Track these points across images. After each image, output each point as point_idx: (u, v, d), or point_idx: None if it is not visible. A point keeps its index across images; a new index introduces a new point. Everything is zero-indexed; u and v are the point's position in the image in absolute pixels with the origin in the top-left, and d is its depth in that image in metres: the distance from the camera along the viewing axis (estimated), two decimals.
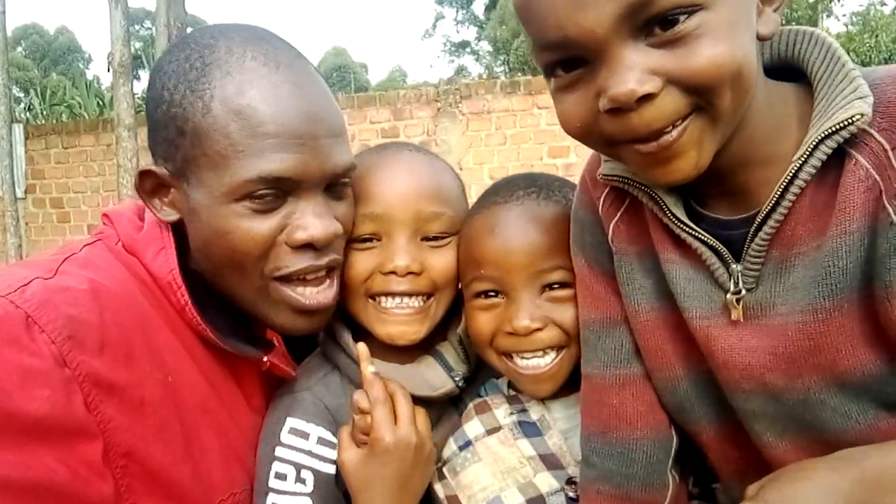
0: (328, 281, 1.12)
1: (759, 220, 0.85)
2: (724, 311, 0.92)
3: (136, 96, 7.28)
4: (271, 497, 1.11)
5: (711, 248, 0.89)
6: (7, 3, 7.90)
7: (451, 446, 1.19)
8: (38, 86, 19.82)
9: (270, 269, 1.06)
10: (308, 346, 1.31)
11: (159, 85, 1.05)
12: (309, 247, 1.06)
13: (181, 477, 0.99)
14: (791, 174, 0.81)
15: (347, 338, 1.21)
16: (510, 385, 1.24)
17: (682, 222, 0.90)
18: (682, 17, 0.73)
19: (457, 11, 40.60)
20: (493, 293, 1.15)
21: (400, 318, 1.18)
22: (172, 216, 1.09)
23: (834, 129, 0.78)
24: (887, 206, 0.77)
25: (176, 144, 1.04)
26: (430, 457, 1.14)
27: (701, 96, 0.76)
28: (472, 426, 1.19)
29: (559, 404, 1.18)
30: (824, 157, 0.80)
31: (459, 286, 1.23)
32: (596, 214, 1.05)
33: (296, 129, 1.02)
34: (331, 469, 1.14)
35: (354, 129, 8.38)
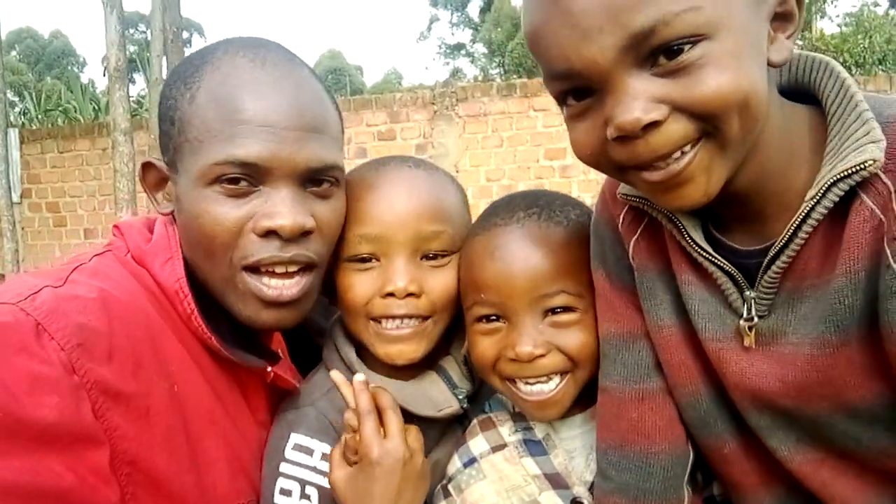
0: (297, 277, 1.10)
1: (772, 253, 0.86)
2: (736, 335, 0.93)
3: (131, 100, 7.27)
4: None
5: (727, 273, 0.90)
6: (0, 7, 7.88)
7: (455, 463, 1.19)
8: (33, 90, 19.76)
9: (238, 257, 1.06)
10: (311, 358, 1.31)
11: (166, 85, 1.11)
12: (275, 236, 1.05)
13: (186, 486, 1.00)
14: (804, 213, 0.82)
15: (351, 353, 1.21)
16: None
17: (700, 247, 0.91)
18: (686, 47, 0.73)
19: (451, 14, 40.59)
20: (494, 318, 1.12)
21: (399, 338, 1.17)
22: (168, 207, 1.13)
23: (846, 173, 0.78)
24: (886, 248, 0.77)
25: (169, 135, 1.09)
26: (423, 472, 1.12)
27: (708, 122, 0.76)
28: (477, 443, 1.19)
29: (565, 424, 1.17)
30: (836, 199, 0.80)
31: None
32: (616, 231, 1.05)
33: (270, 119, 1.04)
34: None
35: (351, 132, 8.37)
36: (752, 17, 0.76)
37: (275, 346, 1.25)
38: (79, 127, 10.31)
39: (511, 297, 1.09)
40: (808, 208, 0.82)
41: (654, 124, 0.76)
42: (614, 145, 0.80)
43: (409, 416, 1.17)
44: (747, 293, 0.90)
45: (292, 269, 1.09)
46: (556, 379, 1.10)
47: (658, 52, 0.74)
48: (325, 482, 1.12)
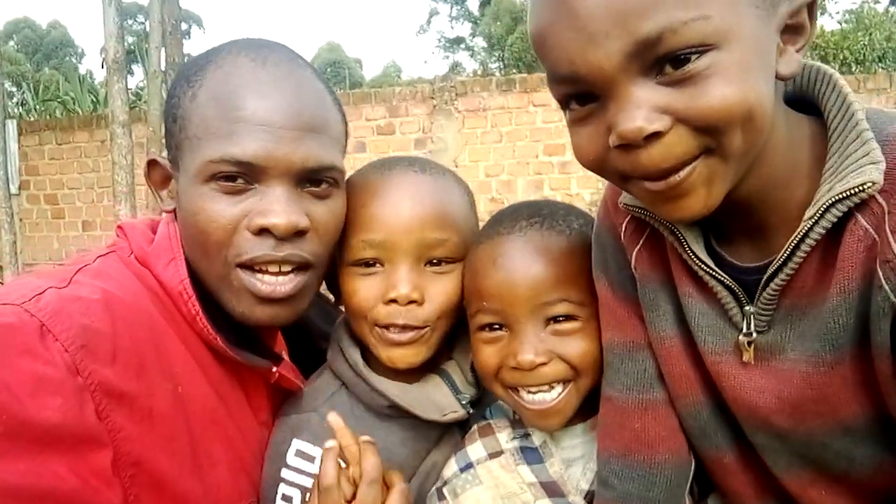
0: (291, 275, 1.10)
1: (771, 270, 0.86)
2: (735, 349, 0.92)
3: (129, 92, 7.25)
4: None
5: (727, 287, 0.90)
6: None
7: (452, 467, 1.19)
8: (31, 80, 19.71)
9: (233, 255, 1.07)
10: (313, 362, 1.31)
11: (172, 84, 1.13)
12: (269, 234, 1.05)
13: (189, 488, 1.00)
14: (802, 232, 0.81)
15: (356, 355, 1.21)
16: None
17: (701, 260, 0.90)
18: (692, 57, 0.72)
19: (451, 7, 40.48)
20: (496, 326, 1.13)
21: (400, 343, 1.17)
22: (171, 205, 1.14)
23: (845, 194, 0.78)
24: (878, 269, 0.77)
25: (172, 132, 1.10)
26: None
27: (711, 137, 0.75)
28: (475, 449, 1.19)
29: (566, 433, 1.17)
30: (834, 220, 0.80)
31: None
32: (618, 241, 1.04)
33: (268, 117, 1.04)
34: None
35: (350, 126, 8.35)
36: (762, 28, 0.75)
37: (277, 348, 1.25)
38: (77, 119, 10.29)
39: (513, 306, 1.09)
40: (806, 228, 0.81)
41: (657, 135, 0.75)
42: (616, 153, 0.79)
43: (412, 419, 1.17)
44: (747, 308, 0.90)
45: (286, 268, 1.09)
46: (559, 388, 1.10)
47: (664, 60, 0.73)
48: None
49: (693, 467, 1.06)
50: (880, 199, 0.78)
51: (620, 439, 1.06)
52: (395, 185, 1.19)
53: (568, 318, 1.10)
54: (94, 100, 13.92)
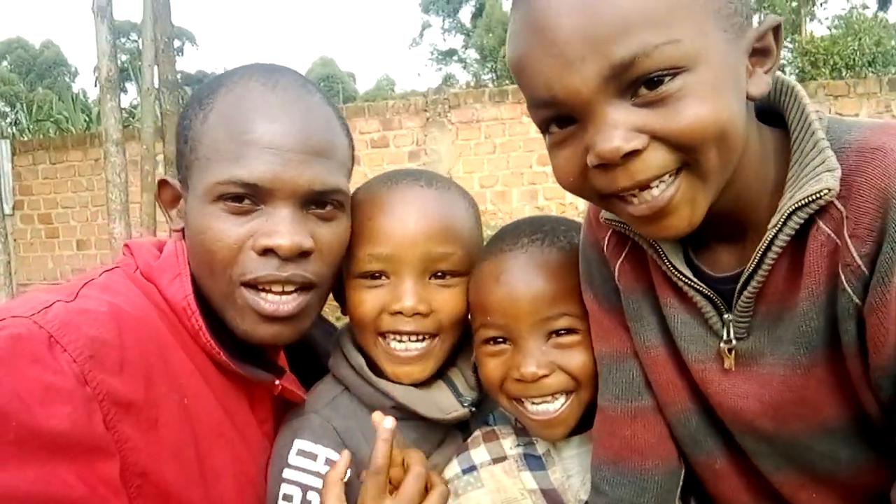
0: (294, 295, 1.12)
1: (743, 278, 0.88)
2: (717, 357, 0.95)
3: (123, 110, 7.26)
4: None
5: (706, 296, 0.93)
6: None
7: (453, 468, 1.21)
8: (24, 100, 19.74)
9: (237, 273, 1.08)
10: (318, 379, 1.31)
11: (185, 106, 1.17)
12: (273, 255, 1.07)
13: (194, 499, 1.01)
14: (768, 240, 0.84)
15: (359, 358, 1.22)
16: None
17: (679, 271, 0.93)
18: (665, 79, 0.75)
19: (443, 20, 40.70)
20: (500, 340, 1.16)
21: (406, 360, 1.19)
22: (180, 224, 1.16)
23: (804, 202, 0.81)
24: (840, 272, 0.80)
25: (182, 153, 1.13)
26: None
27: (687, 154, 0.78)
28: (479, 453, 1.21)
29: (568, 443, 1.19)
30: (797, 227, 0.83)
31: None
32: (602, 254, 1.07)
33: (276, 141, 1.06)
34: None
35: None
36: (730, 51, 0.78)
37: (280, 360, 1.27)
38: (70, 138, 10.32)
39: (515, 320, 1.12)
40: (770, 236, 0.84)
41: (635, 153, 0.77)
42: (595, 173, 0.82)
43: (416, 418, 1.19)
44: (726, 316, 0.92)
45: (289, 288, 1.11)
46: (562, 398, 1.14)
47: (639, 82, 0.76)
48: None
49: (683, 473, 1.08)
50: (839, 205, 0.81)
51: (611, 446, 1.08)
52: (401, 198, 1.21)
53: (569, 331, 1.13)
54: (88, 118, 13.98)
